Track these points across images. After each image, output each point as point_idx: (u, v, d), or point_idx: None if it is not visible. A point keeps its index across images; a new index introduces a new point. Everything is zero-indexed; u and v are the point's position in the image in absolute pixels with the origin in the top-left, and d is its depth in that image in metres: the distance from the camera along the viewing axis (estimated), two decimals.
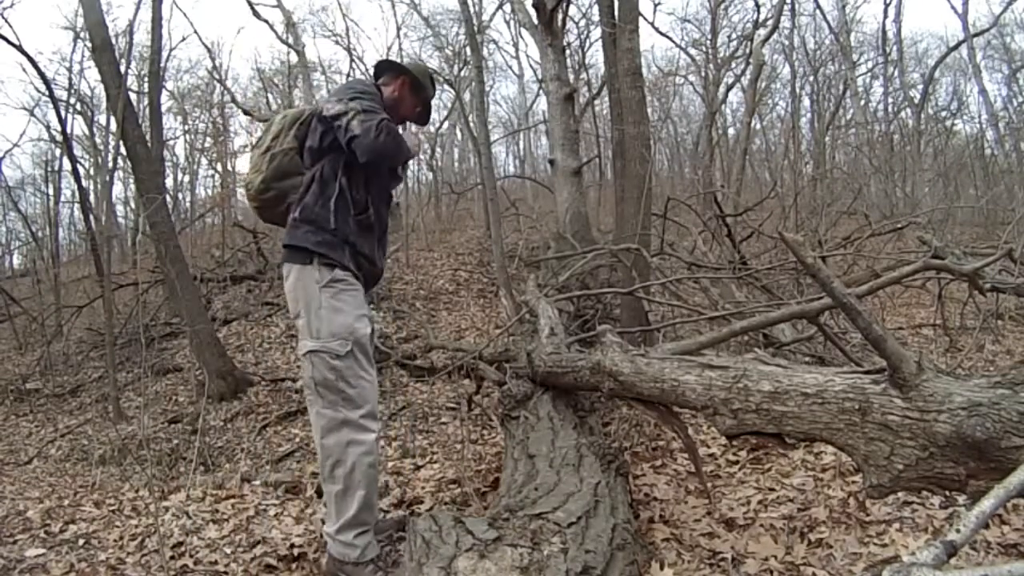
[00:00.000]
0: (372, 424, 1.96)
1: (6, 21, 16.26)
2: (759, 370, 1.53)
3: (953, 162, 14.93)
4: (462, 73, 14.96)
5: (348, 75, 16.55)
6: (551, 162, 8.69)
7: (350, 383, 1.91)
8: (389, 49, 18.48)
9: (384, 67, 2.30)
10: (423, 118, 2.36)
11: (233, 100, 15.47)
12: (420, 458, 3.45)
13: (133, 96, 10.65)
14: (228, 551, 2.26)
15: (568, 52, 10.90)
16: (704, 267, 5.34)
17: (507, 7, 15.96)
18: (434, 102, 2.80)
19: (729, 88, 15.05)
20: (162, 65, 10.97)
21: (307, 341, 1.92)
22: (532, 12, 8.60)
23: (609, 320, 4.75)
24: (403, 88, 2.23)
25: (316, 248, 1.94)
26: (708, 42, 15.85)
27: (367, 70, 14.10)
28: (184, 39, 19.23)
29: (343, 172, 2.00)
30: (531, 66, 20.24)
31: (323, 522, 2.12)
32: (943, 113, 18.26)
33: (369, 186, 2.06)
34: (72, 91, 13.44)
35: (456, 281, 9.09)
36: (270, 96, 17.69)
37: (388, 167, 2.08)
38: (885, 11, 17.54)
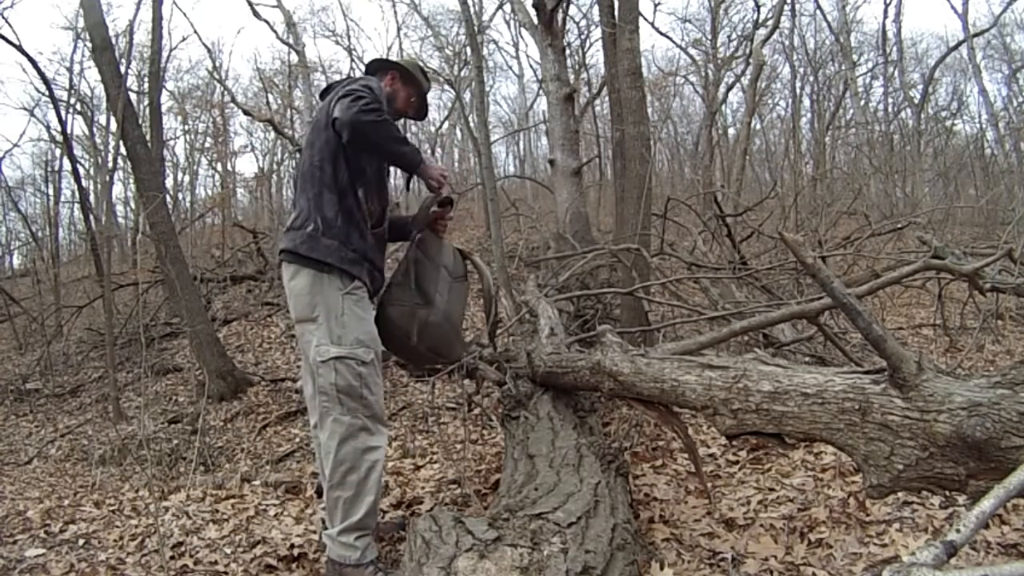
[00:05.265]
0: (385, 431, 2.00)
1: (6, 21, 16.33)
2: (759, 370, 1.53)
3: (953, 162, 14.93)
4: (462, 73, 14.95)
5: (348, 75, 16.53)
6: (551, 162, 8.68)
7: (371, 390, 1.94)
8: (389, 49, 18.51)
9: (375, 66, 2.28)
10: (420, 112, 2.33)
11: (233, 100, 15.45)
12: (420, 458, 3.45)
13: (133, 96, 10.63)
14: (228, 551, 2.26)
15: (568, 52, 10.89)
16: (704, 267, 5.34)
17: (507, 7, 15.95)
18: (435, 102, 2.81)
19: (729, 88, 15.04)
20: (162, 65, 10.96)
21: (330, 347, 1.90)
22: (532, 12, 8.59)
23: (609, 320, 4.74)
24: (394, 81, 2.23)
25: (339, 264, 1.93)
26: (708, 42, 15.85)
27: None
28: (184, 39, 19.14)
29: (359, 182, 1.98)
30: (531, 66, 20.26)
31: (323, 523, 2.12)
32: (943, 113, 18.27)
33: (380, 195, 2.07)
34: (72, 91, 13.41)
35: None
36: (270, 96, 17.68)
37: (374, 151, 2.00)
38: (885, 11, 17.56)
